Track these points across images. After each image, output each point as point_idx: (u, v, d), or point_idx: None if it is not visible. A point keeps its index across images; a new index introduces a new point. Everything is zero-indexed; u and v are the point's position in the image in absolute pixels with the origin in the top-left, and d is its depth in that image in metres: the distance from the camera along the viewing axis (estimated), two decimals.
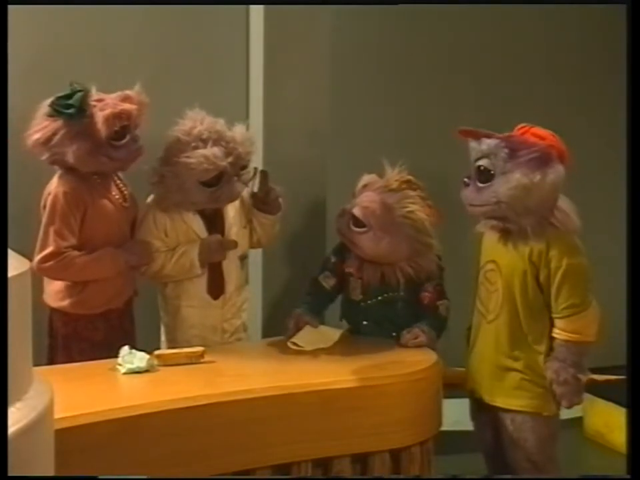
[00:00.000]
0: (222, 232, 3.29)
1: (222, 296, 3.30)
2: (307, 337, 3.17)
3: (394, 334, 3.20)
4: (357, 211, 3.17)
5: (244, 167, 3.22)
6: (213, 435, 2.61)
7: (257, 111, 3.80)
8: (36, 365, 2.07)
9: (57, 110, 3.01)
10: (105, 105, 3.04)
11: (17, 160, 2.62)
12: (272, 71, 3.77)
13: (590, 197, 3.33)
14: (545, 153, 2.79)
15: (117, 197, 3.21)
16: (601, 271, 3.10)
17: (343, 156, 3.90)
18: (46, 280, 3.16)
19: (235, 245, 3.28)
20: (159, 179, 3.15)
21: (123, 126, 3.06)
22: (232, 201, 3.27)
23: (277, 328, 3.36)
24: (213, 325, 3.29)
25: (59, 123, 3.01)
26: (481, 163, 2.84)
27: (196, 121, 3.16)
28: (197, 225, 3.25)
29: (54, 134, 3.00)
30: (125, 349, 2.87)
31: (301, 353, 3.10)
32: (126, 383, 2.81)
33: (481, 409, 3.07)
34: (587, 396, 3.26)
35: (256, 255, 3.70)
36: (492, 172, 2.81)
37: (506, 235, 2.91)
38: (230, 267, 3.31)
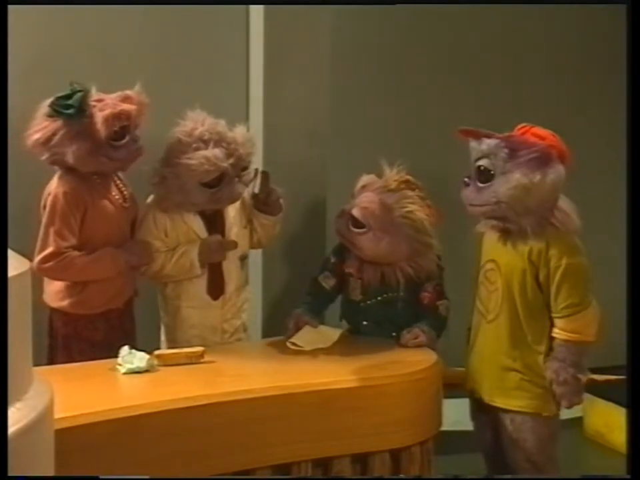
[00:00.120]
0: (222, 232, 3.29)
1: (222, 296, 3.30)
2: (306, 337, 3.17)
3: (394, 334, 3.20)
4: (356, 212, 3.17)
5: (245, 168, 3.22)
6: (213, 435, 2.61)
7: (257, 111, 3.80)
8: (36, 365, 2.07)
9: (56, 110, 3.01)
10: (105, 105, 3.04)
11: (17, 160, 2.62)
12: (272, 71, 3.77)
13: (590, 197, 3.33)
14: (545, 153, 2.79)
15: (117, 197, 3.21)
16: (601, 271, 3.10)
17: (343, 156, 3.90)
18: (46, 280, 3.16)
19: (234, 245, 3.28)
20: (160, 179, 3.15)
21: (122, 126, 3.06)
22: (233, 202, 3.27)
23: (277, 328, 3.36)
24: (212, 325, 3.29)
25: (58, 123, 3.01)
26: (481, 163, 2.84)
27: (197, 122, 3.16)
28: (197, 225, 3.25)
29: (54, 134, 3.00)
30: (125, 349, 2.87)
31: (300, 352, 3.10)
32: (126, 383, 2.81)
33: (480, 409, 3.07)
34: (587, 396, 3.26)
35: (256, 255, 3.69)
36: (492, 172, 2.81)
37: (506, 234, 2.91)
38: (230, 267, 3.31)
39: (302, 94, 3.80)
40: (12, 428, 1.76)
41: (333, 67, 3.84)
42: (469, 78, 4.24)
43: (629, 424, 2.33)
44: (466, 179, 2.89)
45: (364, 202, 3.17)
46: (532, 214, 2.82)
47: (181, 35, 3.74)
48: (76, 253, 3.08)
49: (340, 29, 3.90)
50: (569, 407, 2.95)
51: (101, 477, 2.25)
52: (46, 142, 3.01)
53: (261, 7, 3.76)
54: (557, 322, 2.89)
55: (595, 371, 3.10)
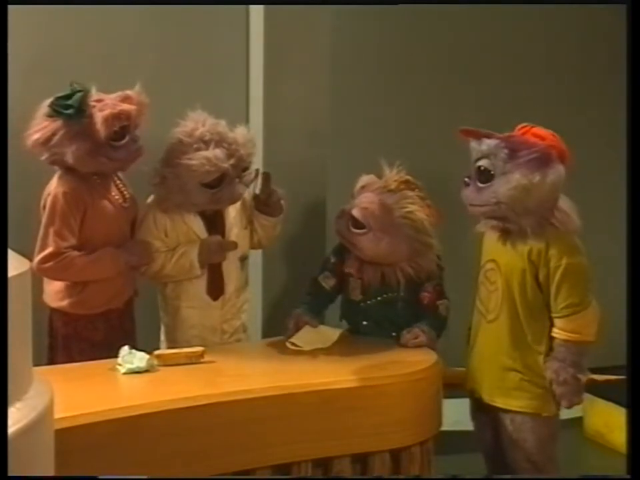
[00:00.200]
0: (222, 233, 3.29)
1: (221, 297, 3.30)
2: (306, 337, 3.17)
3: (394, 334, 3.20)
4: (356, 212, 3.17)
5: (245, 169, 3.22)
6: (213, 435, 2.61)
7: (257, 111, 3.80)
8: (36, 365, 2.07)
9: (56, 110, 3.01)
10: (105, 105, 3.04)
11: (17, 160, 2.62)
12: (272, 71, 3.77)
13: (590, 197, 3.33)
14: (544, 153, 2.79)
15: (117, 197, 3.21)
16: (601, 271, 3.10)
17: (343, 156, 3.90)
18: (46, 280, 3.16)
19: (234, 246, 3.28)
20: (160, 180, 3.15)
21: (122, 126, 3.06)
22: (233, 202, 3.27)
23: (277, 328, 3.36)
24: (212, 326, 3.29)
25: (58, 123, 3.00)
26: (480, 163, 2.84)
27: (198, 122, 3.16)
28: (197, 225, 3.25)
29: (53, 134, 3.00)
30: (125, 349, 2.87)
31: (300, 353, 3.10)
32: (126, 383, 2.81)
33: (480, 409, 3.07)
34: (587, 396, 3.26)
35: (256, 256, 3.69)
36: (492, 172, 2.81)
37: (505, 234, 2.91)
38: (230, 267, 3.30)
39: (302, 94, 3.80)
40: (12, 428, 1.76)
41: (333, 67, 3.84)
42: (469, 78, 4.24)
43: (629, 424, 2.33)
44: (466, 179, 2.89)
45: (364, 202, 3.17)
46: (532, 214, 2.82)
47: (181, 35, 3.74)
48: (76, 253, 3.07)
49: (340, 29, 3.90)
50: (569, 407, 2.95)
51: (100, 477, 2.25)
52: (45, 142, 3.01)
53: (261, 7, 3.76)
54: (557, 322, 2.89)
55: (594, 371, 3.10)
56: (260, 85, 3.79)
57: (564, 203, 2.88)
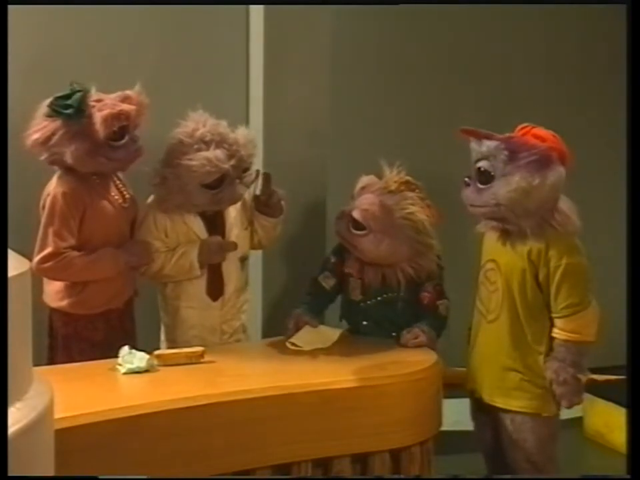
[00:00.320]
0: (222, 233, 3.29)
1: (221, 297, 3.30)
2: (306, 337, 3.17)
3: (394, 334, 3.21)
4: (356, 214, 3.17)
5: (246, 170, 3.22)
6: (213, 435, 2.61)
7: (257, 111, 3.80)
8: (36, 365, 2.07)
9: (55, 110, 3.01)
10: (104, 105, 3.04)
11: (17, 160, 2.62)
12: (272, 71, 3.77)
13: (590, 197, 3.33)
14: (544, 155, 2.78)
15: (116, 197, 3.21)
16: (601, 271, 3.10)
17: (343, 156, 3.90)
18: (46, 280, 3.16)
19: (234, 246, 3.28)
20: (161, 180, 3.15)
21: (121, 126, 3.05)
22: (233, 203, 3.27)
23: (277, 328, 3.36)
24: (212, 326, 3.29)
25: (57, 123, 3.00)
26: (480, 164, 2.84)
27: (198, 122, 3.16)
28: (198, 226, 3.25)
29: (53, 134, 3.00)
30: (125, 349, 2.87)
31: (300, 353, 3.10)
32: (126, 383, 2.81)
33: (480, 409, 3.07)
34: (587, 396, 3.26)
35: (256, 256, 3.69)
36: (492, 173, 2.81)
37: (505, 234, 2.91)
38: (230, 268, 3.30)
39: (302, 94, 3.80)
40: (12, 428, 1.76)
41: (333, 67, 3.84)
42: (469, 78, 4.24)
43: (629, 424, 2.33)
44: (466, 179, 2.89)
45: (364, 204, 3.17)
46: (532, 216, 2.81)
47: (181, 35, 3.74)
48: (75, 253, 3.07)
49: (340, 29, 3.90)
50: (569, 407, 2.95)
51: (100, 477, 2.25)
52: (45, 142, 3.01)
53: (261, 7, 3.76)
54: (557, 322, 2.89)
55: (594, 371, 3.10)
56: (260, 85, 3.79)
57: (564, 204, 2.87)
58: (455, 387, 3.13)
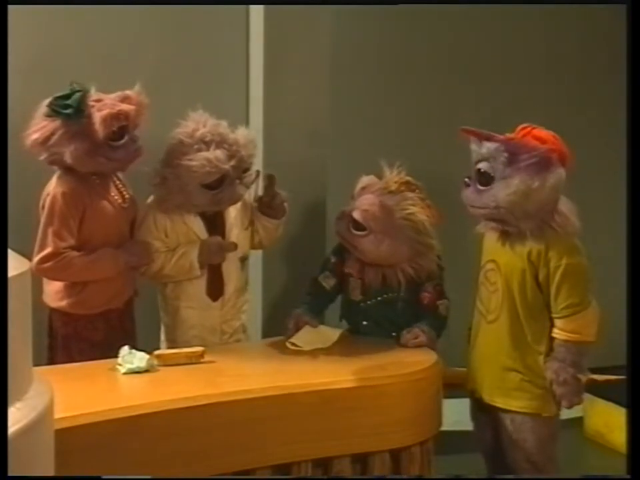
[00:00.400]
0: (222, 233, 3.29)
1: (221, 297, 3.29)
2: (306, 337, 3.17)
3: (394, 334, 3.21)
4: (356, 214, 3.17)
5: (246, 170, 3.22)
6: (213, 435, 2.61)
7: (257, 111, 3.80)
8: (36, 365, 2.07)
9: (55, 110, 3.00)
10: (103, 105, 3.04)
11: (17, 160, 2.62)
12: (272, 71, 3.77)
13: (590, 197, 3.33)
14: (544, 157, 2.77)
15: (116, 197, 3.21)
16: (601, 271, 3.10)
17: (343, 156, 3.90)
18: (45, 280, 3.16)
19: (234, 247, 3.28)
20: (161, 180, 3.15)
21: (121, 126, 3.05)
22: (234, 203, 3.27)
23: (277, 328, 3.36)
24: (211, 326, 3.29)
25: (57, 123, 3.00)
26: (480, 166, 2.84)
27: (199, 123, 3.16)
28: (198, 226, 3.25)
29: (52, 134, 3.00)
30: (125, 349, 2.87)
31: (300, 353, 3.10)
32: (126, 383, 2.81)
33: (481, 409, 3.07)
34: (587, 396, 3.26)
35: (256, 256, 3.69)
36: (492, 175, 2.81)
37: (505, 235, 2.91)
38: (230, 268, 3.30)
39: (302, 94, 3.80)
40: (12, 428, 1.76)
41: (333, 67, 3.84)
42: (469, 78, 4.24)
43: (629, 424, 2.33)
44: (466, 180, 2.89)
45: (364, 204, 3.17)
46: (531, 218, 2.81)
47: (181, 35, 3.74)
48: (75, 253, 3.07)
49: (340, 29, 3.90)
50: (569, 407, 2.95)
51: (103, 477, 2.25)
52: (44, 142, 3.01)
53: (261, 7, 3.76)
54: (557, 322, 2.89)
55: (594, 371, 3.10)
56: (260, 85, 3.79)
57: (564, 205, 2.87)
58: (455, 387, 3.13)
